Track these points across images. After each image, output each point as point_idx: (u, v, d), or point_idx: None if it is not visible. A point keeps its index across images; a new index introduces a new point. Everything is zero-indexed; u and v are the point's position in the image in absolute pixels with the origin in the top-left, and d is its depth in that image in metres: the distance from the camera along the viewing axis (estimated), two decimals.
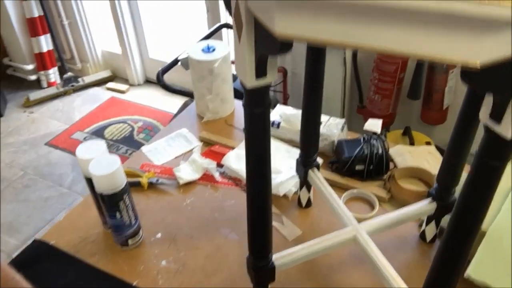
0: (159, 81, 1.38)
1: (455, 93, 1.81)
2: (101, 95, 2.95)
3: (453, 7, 0.32)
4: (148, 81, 3.05)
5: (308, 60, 0.81)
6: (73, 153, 2.46)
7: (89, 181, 0.88)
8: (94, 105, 2.85)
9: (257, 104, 0.53)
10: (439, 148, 1.86)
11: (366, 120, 2.01)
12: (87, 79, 3.01)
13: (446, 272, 0.60)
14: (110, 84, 3.01)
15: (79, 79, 2.99)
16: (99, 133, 2.60)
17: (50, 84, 3.01)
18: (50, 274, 0.92)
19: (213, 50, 1.21)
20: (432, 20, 0.33)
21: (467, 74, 0.40)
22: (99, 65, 3.11)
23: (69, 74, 2.98)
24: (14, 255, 1.91)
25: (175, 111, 2.68)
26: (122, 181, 0.86)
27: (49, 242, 0.97)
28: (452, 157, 0.80)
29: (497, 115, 0.42)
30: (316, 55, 0.79)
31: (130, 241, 0.93)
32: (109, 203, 0.86)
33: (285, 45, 0.42)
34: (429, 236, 0.92)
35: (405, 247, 0.93)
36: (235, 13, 0.47)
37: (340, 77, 1.91)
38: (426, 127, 1.95)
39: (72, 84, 2.96)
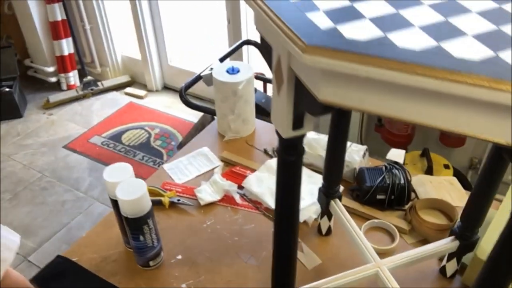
0: (182, 97, 1.40)
1: None
2: (119, 100, 2.98)
3: (499, 98, 0.33)
4: (166, 88, 3.08)
5: None
6: (90, 157, 2.50)
7: (115, 202, 0.90)
8: (112, 109, 2.88)
9: (291, 152, 0.54)
10: (457, 171, 1.85)
11: (384, 139, 2.01)
12: (106, 83, 3.05)
13: None
14: (129, 89, 3.05)
15: (98, 83, 3.03)
16: (116, 138, 2.62)
17: (69, 87, 3.05)
18: None
19: (237, 71, 1.22)
20: (480, 105, 0.34)
21: None
22: (118, 69, 3.15)
23: (89, 77, 3.02)
24: (30, 258, 1.93)
25: (192, 119, 2.71)
26: (147, 205, 0.87)
27: (71, 259, 0.98)
28: (479, 198, 0.80)
29: None
30: None
31: (151, 263, 0.95)
32: (133, 226, 0.88)
33: (328, 108, 0.43)
34: (449, 271, 0.92)
35: (424, 282, 0.93)
36: (276, 68, 0.48)
37: None
38: (445, 149, 1.94)
39: (91, 88, 3.00)
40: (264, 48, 0.51)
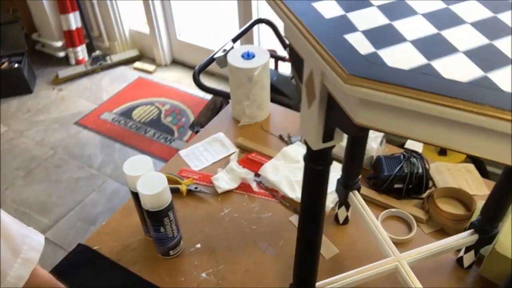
0: (195, 81, 1.38)
1: None
2: (128, 75, 2.96)
3: None
4: (175, 62, 3.05)
5: None
6: (102, 133, 2.51)
7: (135, 194, 0.90)
8: (122, 84, 2.87)
9: (319, 162, 0.54)
10: (472, 159, 1.84)
11: None
12: (115, 58, 3.02)
13: None
14: (137, 64, 3.02)
15: (107, 58, 3.00)
16: (127, 114, 2.62)
17: (78, 62, 3.02)
18: (95, 279, 0.95)
19: (253, 57, 1.20)
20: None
21: None
22: (126, 44, 3.11)
23: (97, 52, 2.99)
24: (47, 234, 1.97)
25: (202, 95, 2.69)
26: (168, 198, 0.87)
27: (92, 247, 1.00)
28: (502, 192, 0.80)
29: None
30: None
31: (171, 252, 0.96)
32: (154, 219, 0.89)
33: (363, 129, 0.42)
34: (466, 263, 0.93)
35: (441, 272, 0.94)
36: (307, 82, 0.47)
37: None
38: None
39: (100, 63, 2.98)
40: (294, 57, 0.50)
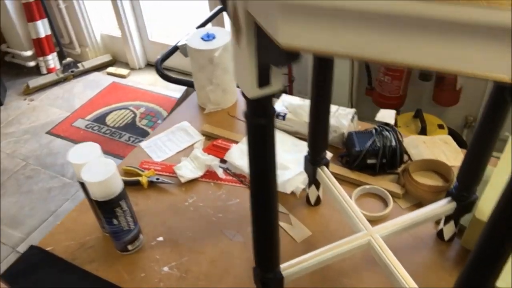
0: (158, 70, 1.32)
1: None
2: (101, 80, 2.88)
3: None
4: (149, 65, 2.97)
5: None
6: (75, 141, 2.42)
7: (83, 185, 0.83)
8: (95, 91, 2.78)
9: (260, 114, 0.47)
10: (451, 130, 1.79)
11: (375, 103, 1.94)
12: (87, 64, 2.94)
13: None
14: (111, 69, 2.94)
15: (79, 64, 2.92)
16: (100, 120, 2.54)
17: (49, 70, 2.94)
18: (48, 282, 0.87)
19: (213, 38, 1.13)
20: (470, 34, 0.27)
21: None
22: (98, 49, 3.03)
23: (68, 59, 2.91)
24: (19, 248, 1.88)
25: (177, 96, 2.62)
26: (118, 187, 0.80)
27: (46, 248, 0.92)
28: (475, 155, 0.74)
29: None
30: None
31: (129, 247, 0.89)
32: (105, 210, 0.81)
33: (292, 56, 0.35)
34: (447, 235, 0.87)
35: (421, 247, 0.88)
36: (233, 15, 0.40)
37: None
38: (438, 109, 1.87)
39: (71, 70, 2.89)
40: None
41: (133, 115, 2.55)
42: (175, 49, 1.37)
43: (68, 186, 2.17)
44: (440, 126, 1.73)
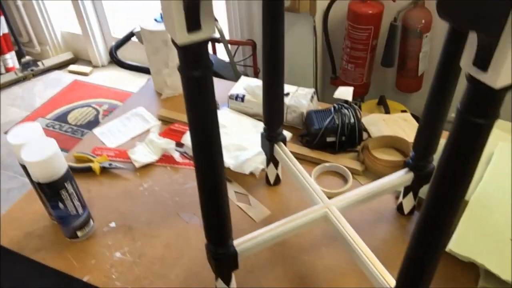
0: (112, 57, 1.27)
1: (430, 59, 1.73)
2: (63, 78, 2.79)
3: None
4: (112, 62, 2.90)
5: (265, 22, 0.71)
6: None
7: (25, 168, 0.78)
8: (56, 89, 2.69)
9: (194, 65, 0.44)
10: (415, 117, 1.80)
11: None
12: (47, 62, 2.84)
13: (427, 248, 0.52)
14: (72, 67, 2.85)
15: (39, 63, 2.82)
16: (62, 119, 2.45)
17: (8, 70, 2.83)
18: None
19: None
20: None
21: (445, 5, 0.31)
22: (59, 47, 2.94)
23: (28, 58, 2.80)
24: None
25: None
26: (61, 167, 0.75)
27: None
28: (429, 122, 0.72)
29: (482, 60, 0.34)
30: (272, 14, 0.70)
31: (79, 233, 0.84)
32: (49, 193, 0.76)
33: None
34: (407, 208, 0.86)
35: (381, 222, 0.86)
36: None
37: (311, 47, 1.81)
38: (402, 95, 1.88)
39: (31, 69, 2.79)
40: None
41: (95, 112, 2.48)
42: (130, 35, 1.33)
43: (27, 186, 2.08)
44: (404, 112, 1.73)
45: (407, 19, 1.63)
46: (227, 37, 1.90)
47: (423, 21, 1.61)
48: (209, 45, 1.73)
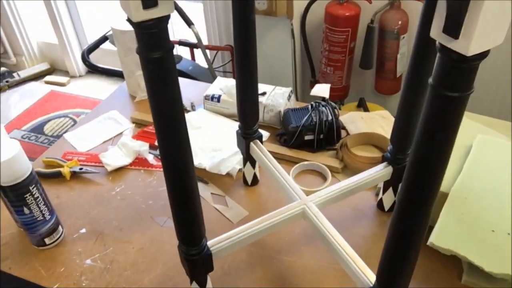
0: (84, 60, 1.23)
1: (407, 60, 1.73)
2: (39, 90, 2.72)
3: None
4: (90, 72, 2.85)
5: (236, 27, 0.70)
6: None
7: None
8: (32, 100, 2.63)
9: (152, 46, 0.41)
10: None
11: None
12: (23, 73, 2.78)
13: (405, 242, 0.50)
14: (49, 78, 2.79)
15: (14, 74, 2.75)
16: (38, 130, 2.39)
17: None
18: None
19: None
20: None
21: None
22: (35, 57, 2.88)
23: (3, 69, 2.74)
24: None
25: None
26: (25, 169, 0.71)
27: None
28: (406, 111, 0.71)
29: (452, 26, 0.32)
30: (243, 19, 0.68)
31: (47, 240, 0.80)
32: (12, 197, 0.72)
33: None
34: (387, 204, 0.84)
35: (361, 219, 0.84)
36: None
37: (289, 50, 1.80)
38: (381, 98, 1.88)
39: (6, 80, 2.72)
40: None
41: (73, 122, 2.42)
42: (104, 38, 1.30)
43: None
44: None
45: (384, 20, 1.63)
46: (205, 42, 1.88)
47: (399, 22, 1.61)
48: (187, 51, 1.70)
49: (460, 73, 0.34)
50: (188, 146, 0.50)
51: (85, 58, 1.23)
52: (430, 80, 0.37)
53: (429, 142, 0.40)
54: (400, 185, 0.79)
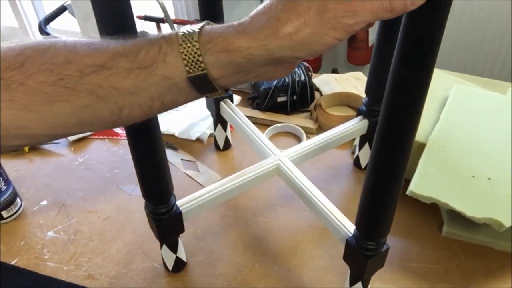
0: (42, 31, 1.16)
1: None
2: None
3: None
4: None
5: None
6: None
7: None
8: None
9: None
10: None
11: None
12: None
13: (382, 176, 0.46)
14: None
15: None
16: None
17: None
18: None
19: None
20: None
21: None
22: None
23: None
24: None
25: None
26: None
27: None
28: (380, 62, 0.68)
29: None
30: None
31: (4, 213, 0.74)
32: None
33: None
34: (363, 161, 0.81)
35: (338, 177, 0.81)
36: None
37: None
38: (354, 68, 1.86)
39: None
40: None
41: None
42: (62, 8, 1.22)
43: None
44: None
45: None
46: (172, 16, 1.81)
47: None
48: (154, 27, 1.62)
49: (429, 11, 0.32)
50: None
51: (42, 29, 1.16)
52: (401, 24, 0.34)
53: (402, 87, 0.38)
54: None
